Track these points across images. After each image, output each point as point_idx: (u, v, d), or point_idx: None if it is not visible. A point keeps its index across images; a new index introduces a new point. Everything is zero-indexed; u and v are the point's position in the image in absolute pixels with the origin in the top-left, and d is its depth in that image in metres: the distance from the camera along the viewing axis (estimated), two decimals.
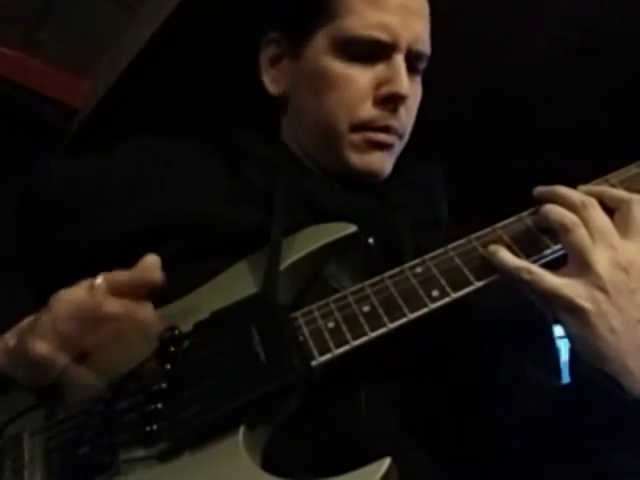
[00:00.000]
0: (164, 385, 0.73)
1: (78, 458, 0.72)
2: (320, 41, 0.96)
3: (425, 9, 0.98)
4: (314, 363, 0.72)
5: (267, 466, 0.69)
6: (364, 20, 0.92)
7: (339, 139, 0.95)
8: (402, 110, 0.95)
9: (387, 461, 0.65)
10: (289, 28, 1.01)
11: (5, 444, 0.76)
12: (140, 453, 0.71)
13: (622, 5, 2.05)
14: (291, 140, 1.03)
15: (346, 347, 0.73)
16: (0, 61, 2.49)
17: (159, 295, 0.77)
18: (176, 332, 0.76)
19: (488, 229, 0.79)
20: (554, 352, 0.94)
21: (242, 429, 0.70)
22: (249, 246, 0.85)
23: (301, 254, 0.83)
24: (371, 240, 0.87)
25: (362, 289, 0.77)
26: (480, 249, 0.77)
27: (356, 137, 0.95)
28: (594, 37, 2.12)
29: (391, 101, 0.93)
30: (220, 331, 0.77)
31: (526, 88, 2.29)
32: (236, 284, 0.82)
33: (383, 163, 0.96)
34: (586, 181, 0.80)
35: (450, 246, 0.78)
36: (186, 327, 0.78)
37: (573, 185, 0.78)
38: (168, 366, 0.74)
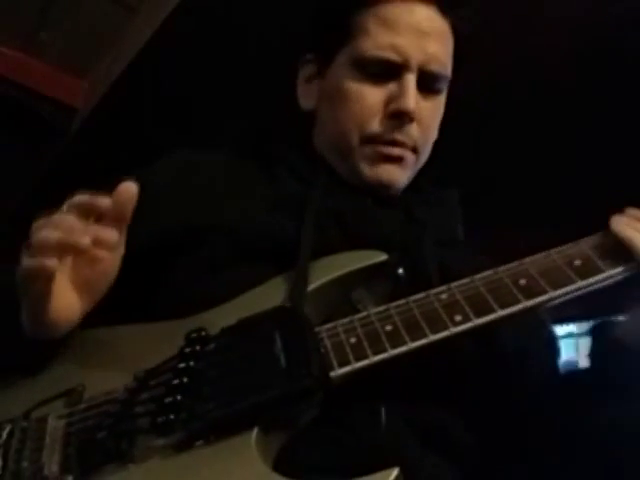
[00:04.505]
0: (186, 380, 0.75)
1: (95, 442, 0.74)
2: (340, 61, 1.02)
3: (442, 29, 1.01)
4: (333, 374, 0.75)
5: (281, 468, 0.71)
6: (377, 41, 0.98)
7: (352, 152, 1.00)
8: (413, 125, 0.99)
9: (395, 471, 0.67)
10: (317, 49, 1.07)
11: (29, 425, 0.78)
12: (156, 442, 0.73)
13: None
14: (321, 151, 1.07)
15: (365, 362, 0.75)
16: (0, 61, 2.47)
17: None
18: (203, 333, 0.79)
19: (515, 263, 0.82)
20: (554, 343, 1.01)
21: (256, 429, 0.72)
22: (282, 255, 0.88)
23: (331, 277, 0.86)
24: (401, 270, 0.91)
25: (386, 310, 0.80)
26: (506, 279, 0.80)
27: (367, 150, 0.99)
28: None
29: (398, 117, 0.98)
30: (245, 336, 0.80)
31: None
32: (267, 298, 0.85)
33: (392, 175, 1.00)
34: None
35: (477, 276, 0.81)
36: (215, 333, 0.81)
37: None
38: (192, 363, 0.77)
